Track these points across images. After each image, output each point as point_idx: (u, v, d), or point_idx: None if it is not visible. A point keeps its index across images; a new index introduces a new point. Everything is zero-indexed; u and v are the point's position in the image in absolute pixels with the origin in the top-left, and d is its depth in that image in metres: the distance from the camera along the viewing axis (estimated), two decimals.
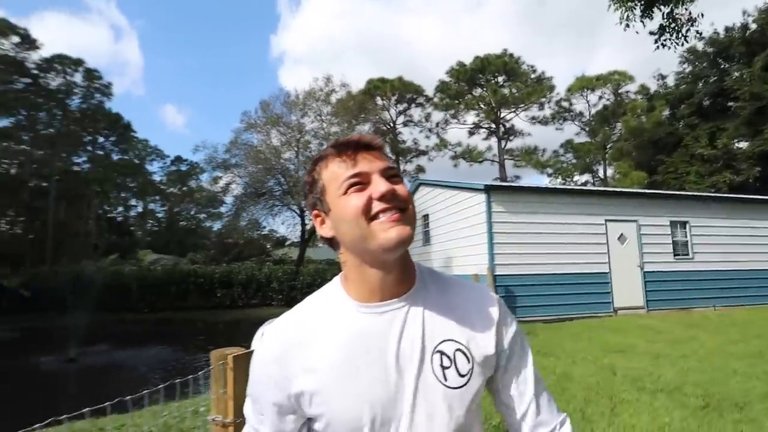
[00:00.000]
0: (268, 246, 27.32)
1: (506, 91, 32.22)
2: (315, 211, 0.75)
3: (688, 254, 10.14)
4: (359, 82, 40.62)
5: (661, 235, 9.99)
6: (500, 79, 32.21)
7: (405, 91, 32.36)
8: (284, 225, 21.31)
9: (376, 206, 0.67)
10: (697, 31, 5.73)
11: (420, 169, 32.99)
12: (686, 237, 10.21)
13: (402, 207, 0.68)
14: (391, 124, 32.66)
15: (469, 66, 31.97)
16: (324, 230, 0.74)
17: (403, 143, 33.01)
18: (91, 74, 28.91)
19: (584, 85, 32.65)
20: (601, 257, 9.42)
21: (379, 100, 30.95)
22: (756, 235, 10.74)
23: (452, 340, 0.73)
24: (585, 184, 32.71)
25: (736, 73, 22.05)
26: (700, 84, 24.35)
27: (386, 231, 0.66)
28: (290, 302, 17.23)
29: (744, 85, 20.61)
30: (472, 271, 8.93)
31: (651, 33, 5.98)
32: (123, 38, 73.08)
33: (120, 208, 34.02)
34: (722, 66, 23.34)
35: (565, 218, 9.27)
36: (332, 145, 0.75)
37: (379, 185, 0.68)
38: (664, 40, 5.95)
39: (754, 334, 6.73)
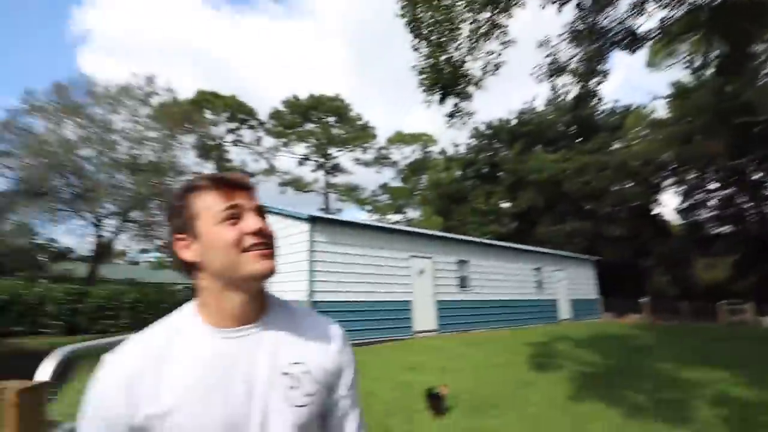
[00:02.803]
0: (44, 258, 21.58)
1: (335, 131, 34.58)
2: (180, 235, 0.78)
3: (468, 287, 12.68)
4: (184, 91, 37.34)
5: (450, 270, 12.25)
6: (331, 119, 34.41)
7: (238, 111, 31.27)
8: (71, 235, 17.43)
9: (248, 240, 0.74)
10: (476, 120, 8.06)
11: None
12: (467, 273, 12.78)
13: (268, 243, 0.77)
14: (220, 141, 30.89)
15: (303, 101, 33.25)
16: (187, 254, 0.77)
17: (229, 162, 31.43)
18: None
19: (400, 139, 37.82)
20: (406, 287, 10.77)
21: (208, 114, 29.05)
22: (512, 273, 14.18)
23: (300, 363, 0.78)
24: (396, 222, 37.02)
25: (503, 153, 28.97)
26: (481, 155, 30.99)
27: (255, 263, 0.73)
28: (72, 330, 13.81)
29: (506, 163, 27.20)
30: (292, 296, 8.95)
31: (445, 115, 8.01)
32: None
33: None
34: (494, 145, 30.36)
35: (378, 251, 10.24)
36: (209, 177, 0.79)
37: (252, 221, 0.75)
38: (453, 122, 8.13)
39: (505, 349, 8.52)
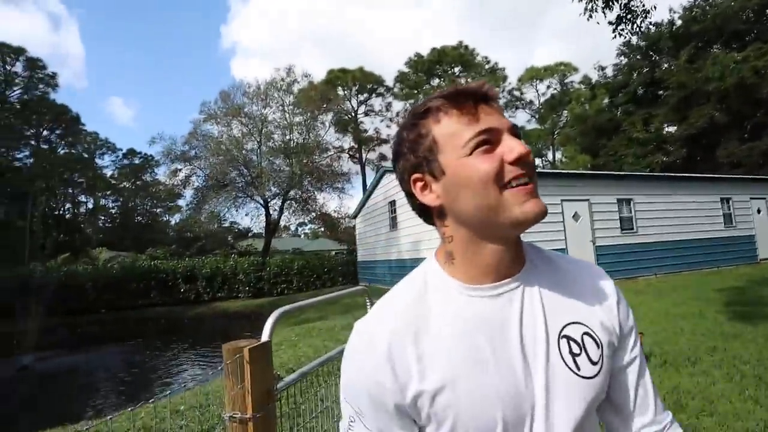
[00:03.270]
0: (231, 238, 26.64)
1: (462, 81, 33.18)
2: (417, 175, 0.63)
3: (633, 228, 11.27)
4: (317, 73, 40.17)
5: (609, 212, 11.03)
6: (456, 70, 33.09)
7: (365, 82, 32.45)
8: (248, 216, 20.83)
9: (510, 172, 0.57)
10: (650, 22, 6.45)
11: (383, 157, 33.30)
12: (631, 213, 11.32)
13: (532, 175, 0.59)
14: (353, 114, 32.72)
15: (426, 57, 32.60)
16: (428, 197, 0.63)
17: (365, 132, 33.19)
18: (34, 64, 26.49)
19: (533, 75, 34.35)
20: (558, 234, 10.25)
21: (340, 91, 30.85)
22: (688, 209, 12.08)
23: (578, 322, 0.63)
24: (536, 168, 34.62)
25: (665, 65, 24.07)
26: (635, 74, 26.32)
27: (522, 204, 0.57)
28: (257, 294, 17.09)
29: (671, 76, 22.52)
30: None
31: (610, 23, 6.43)
32: (62, 27, 67.41)
33: (68, 205, 31.69)
34: (653, 58, 25.36)
35: None
36: (443, 95, 0.62)
37: (514, 146, 0.57)
38: (621, 30, 6.47)
39: (692, 296, 7.48)
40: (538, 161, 35.95)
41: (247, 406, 1.21)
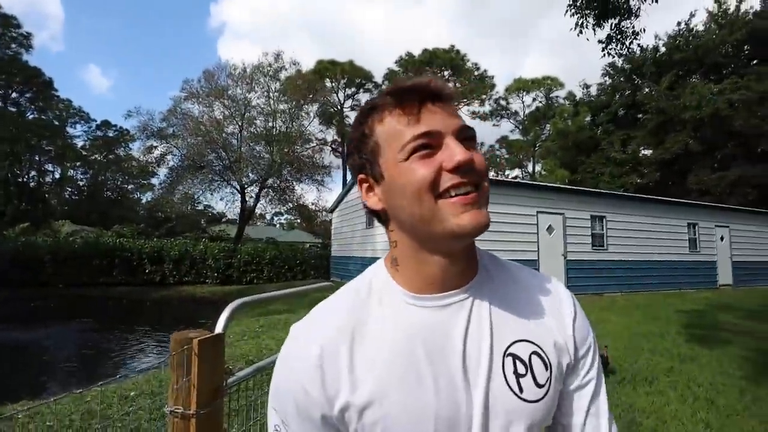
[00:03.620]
0: (203, 222, 26.02)
1: (451, 85, 33.34)
2: (361, 176, 0.60)
3: (603, 245, 11.51)
4: (306, 62, 39.63)
5: (582, 227, 11.24)
6: (446, 73, 33.20)
7: (354, 76, 32.16)
8: (223, 201, 20.45)
9: (447, 180, 0.52)
10: (639, 44, 6.50)
11: None
12: (603, 230, 11.56)
13: (477, 182, 0.54)
14: (339, 107, 32.41)
15: (417, 57, 32.59)
16: (371, 200, 0.59)
17: (349, 126, 32.84)
18: (7, 21, 24.96)
19: (521, 86, 34.87)
20: (531, 245, 10.33)
21: (328, 82, 30.49)
22: (656, 231, 12.43)
23: (527, 340, 0.58)
24: (516, 178, 35.12)
25: (646, 90, 24.79)
26: (617, 96, 27.01)
27: (458, 215, 0.52)
28: (226, 281, 16.74)
29: (651, 101, 23.20)
30: None
31: (599, 41, 6.42)
32: None
33: (33, 173, 30.24)
34: (636, 82, 26.08)
35: (503, 208, 9.85)
36: (390, 91, 0.58)
37: (454, 152, 0.52)
38: (610, 49, 6.46)
39: (654, 316, 7.67)
40: (517, 172, 36.53)
41: (192, 401, 1.15)
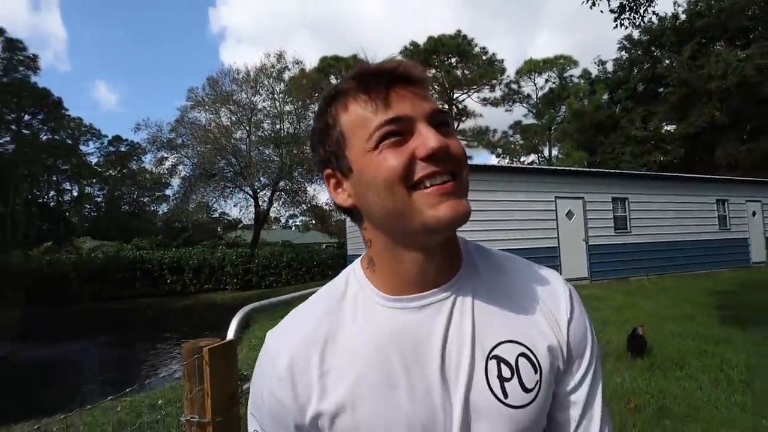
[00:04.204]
0: (219, 229, 26.31)
1: (459, 72, 32.64)
2: (327, 170, 0.55)
3: (626, 228, 10.98)
4: (310, 60, 39.52)
5: (603, 210, 10.74)
6: (453, 60, 32.49)
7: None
8: (236, 207, 20.43)
9: (421, 169, 0.48)
10: (654, 12, 6.06)
11: None
12: (625, 212, 11.04)
13: (455, 171, 0.49)
14: None
15: (422, 46, 31.94)
16: (340, 197, 0.55)
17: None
18: (13, 45, 25.47)
19: (532, 68, 33.79)
20: (551, 233, 9.99)
21: (332, 79, 30.30)
22: (683, 210, 11.82)
23: (513, 341, 0.54)
24: (531, 163, 34.22)
25: (667, 61, 23.66)
26: (635, 70, 25.92)
27: (435, 206, 0.47)
28: (245, 286, 16.89)
29: (673, 73, 22.16)
30: None
31: (612, 11, 6.04)
32: (42, 7, 66.05)
33: (52, 193, 31.15)
34: (654, 54, 24.93)
35: (519, 195, 9.62)
36: (354, 75, 0.52)
37: (427, 138, 0.48)
38: (623, 19, 6.08)
39: (683, 299, 7.42)
40: (533, 157, 35.58)
41: (207, 409, 1.16)
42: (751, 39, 20.48)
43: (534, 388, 0.52)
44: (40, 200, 29.44)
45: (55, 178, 30.11)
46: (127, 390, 1.31)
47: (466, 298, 0.55)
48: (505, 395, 0.51)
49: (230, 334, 1.36)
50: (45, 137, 29.09)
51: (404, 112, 0.49)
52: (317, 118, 0.56)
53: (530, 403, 0.52)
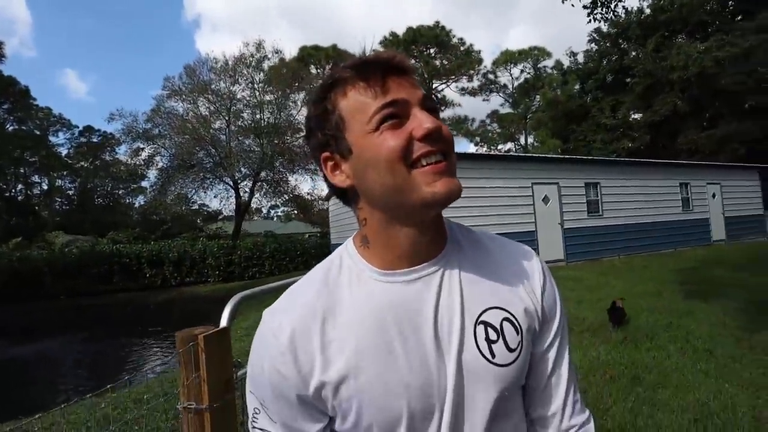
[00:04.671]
0: (199, 221, 25.90)
1: (437, 62, 32.93)
2: (325, 153, 0.59)
3: (598, 211, 11.59)
4: (289, 50, 38.96)
5: (577, 195, 11.30)
6: (432, 50, 32.73)
7: (339, 60, 31.74)
8: (217, 198, 20.15)
9: (419, 149, 0.52)
10: (624, 6, 6.47)
11: None
12: (597, 196, 11.64)
13: (446, 151, 0.55)
14: None
15: (402, 37, 32.03)
16: (338, 178, 0.59)
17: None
18: None
19: (508, 59, 34.46)
20: (528, 217, 10.42)
21: (312, 69, 30.04)
22: (649, 193, 12.53)
23: (497, 307, 0.60)
24: (509, 151, 35.06)
25: (633, 53, 24.59)
26: (604, 61, 26.81)
27: (431, 183, 0.53)
28: (228, 278, 16.73)
29: (639, 64, 23.04)
30: None
31: (584, 7, 6.45)
32: None
33: (20, 186, 29.72)
34: (622, 46, 25.84)
35: (497, 182, 9.89)
36: (350, 65, 0.57)
37: (423, 120, 0.53)
38: (596, 14, 6.50)
39: (651, 276, 7.83)
40: (510, 145, 36.40)
41: (203, 396, 1.17)
42: (709, 32, 21.56)
43: (517, 348, 0.59)
44: (8, 194, 28.10)
45: (23, 171, 28.71)
46: (108, 386, 1.36)
47: (453, 270, 0.60)
48: (493, 355, 0.57)
49: (223, 321, 1.36)
50: (11, 128, 27.81)
51: (401, 96, 0.54)
52: (314, 104, 0.59)
53: (514, 361, 0.58)
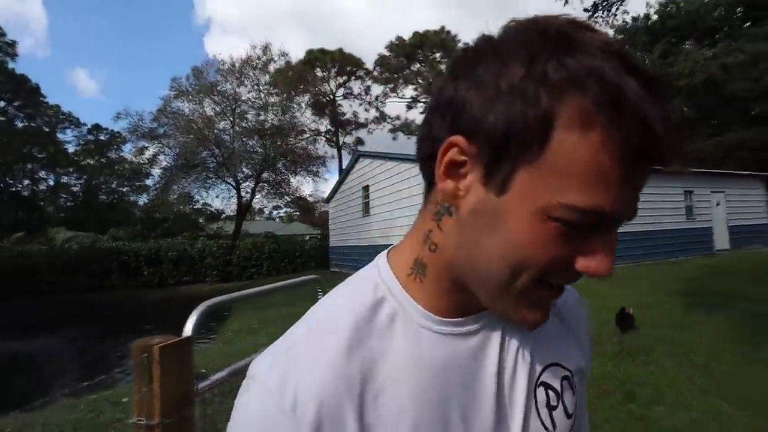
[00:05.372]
0: (201, 220, 25.98)
1: (443, 66, 32.90)
2: (469, 144, 0.36)
3: None
4: (295, 52, 39.19)
5: None
6: (437, 55, 32.79)
7: (345, 64, 31.79)
8: (219, 198, 20.26)
9: (552, 276, 0.38)
10: (625, 10, 6.40)
11: (359, 141, 33.02)
12: None
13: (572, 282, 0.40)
14: (331, 96, 32.13)
15: (408, 41, 32.16)
16: (448, 185, 0.38)
17: (342, 115, 32.77)
18: None
19: None
20: None
21: (318, 72, 30.17)
22: (653, 201, 12.27)
23: (558, 364, 0.48)
24: None
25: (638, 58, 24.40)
26: None
27: (531, 309, 0.40)
28: (226, 278, 16.66)
29: None
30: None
31: (585, 10, 6.40)
32: None
33: (27, 182, 29.92)
34: None
35: None
36: (617, 85, 0.32)
37: (605, 262, 0.36)
38: (597, 17, 6.44)
39: (651, 286, 7.68)
40: None
41: (154, 412, 1.09)
42: (717, 39, 21.38)
43: (573, 413, 0.48)
44: (14, 189, 28.36)
45: (30, 167, 28.91)
46: (83, 385, 1.33)
47: (506, 321, 0.46)
48: (554, 426, 0.46)
49: (187, 331, 1.28)
50: (21, 124, 28.07)
51: (617, 209, 0.35)
52: (523, 82, 0.34)
53: (570, 429, 0.47)
